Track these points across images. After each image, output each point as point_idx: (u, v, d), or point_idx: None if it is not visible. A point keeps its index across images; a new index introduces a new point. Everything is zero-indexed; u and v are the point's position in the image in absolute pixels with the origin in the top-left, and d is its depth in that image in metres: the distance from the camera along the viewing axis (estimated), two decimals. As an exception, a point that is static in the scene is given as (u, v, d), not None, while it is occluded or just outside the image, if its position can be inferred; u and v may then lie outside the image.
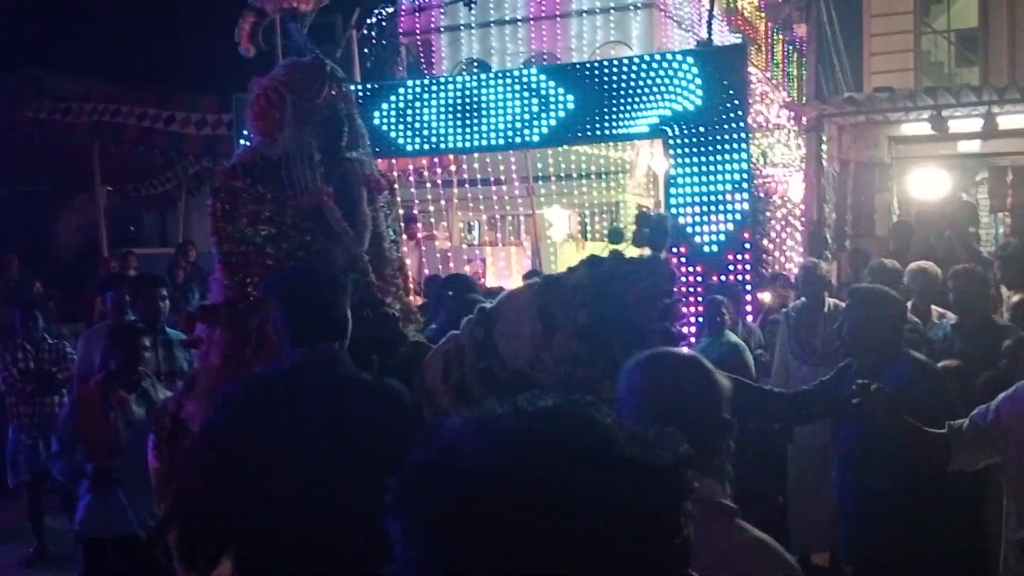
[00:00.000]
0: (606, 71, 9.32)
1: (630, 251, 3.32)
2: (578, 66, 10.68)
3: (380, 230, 4.09)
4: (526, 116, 9.34)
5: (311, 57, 4.06)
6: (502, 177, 12.89)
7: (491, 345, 3.31)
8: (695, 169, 8.70)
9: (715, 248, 8.59)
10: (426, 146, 9.84)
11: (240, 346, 3.69)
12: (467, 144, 9.71)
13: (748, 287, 8.58)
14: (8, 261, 11.68)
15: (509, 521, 1.01)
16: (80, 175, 13.94)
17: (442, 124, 9.65)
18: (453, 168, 12.76)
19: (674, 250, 8.17)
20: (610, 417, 1.14)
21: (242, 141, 10.62)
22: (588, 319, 3.12)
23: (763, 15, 18.18)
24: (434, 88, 9.90)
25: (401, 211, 12.63)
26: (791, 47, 18.40)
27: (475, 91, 9.59)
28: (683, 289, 8.04)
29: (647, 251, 3.28)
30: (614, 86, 9.07)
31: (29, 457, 7.60)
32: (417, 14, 15.99)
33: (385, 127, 9.70)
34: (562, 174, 13.57)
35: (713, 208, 8.62)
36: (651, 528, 1.06)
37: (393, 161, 11.38)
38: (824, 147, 11.07)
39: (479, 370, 3.28)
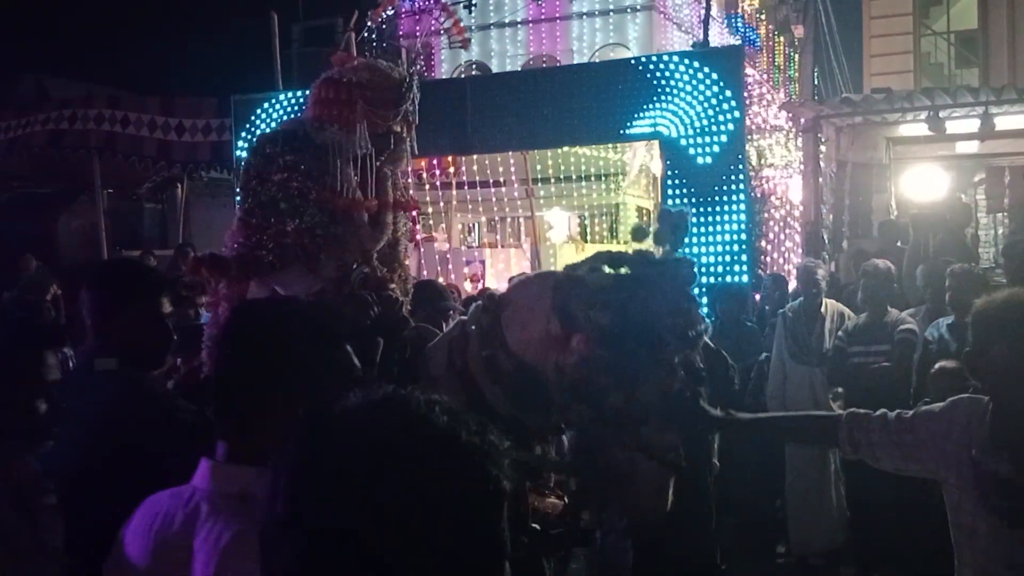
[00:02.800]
0: (603, 72, 9.35)
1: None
2: (575, 67, 10.71)
3: (399, 235, 4.19)
4: (518, 118, 9.36)
5: (401, 73, 4.07)
6: (501, 179, 12.91)
7: (496, 332, 3.16)
8: (691, 171, 8.71)
9: (713, 249, 8.60)
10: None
11: None
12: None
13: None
14: (26, 261, 11.80)
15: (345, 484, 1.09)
16: (81, 178, 13.97)
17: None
18: (452, 170, 12.79)
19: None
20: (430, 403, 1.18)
21: (240, 143, 10.65)
22: (611, 323, 2.96)
23: (764, 17, 18.20)
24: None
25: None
26: (791, 49, 18.40)
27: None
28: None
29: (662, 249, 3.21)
30: (612, 87, 9.09)
31: None
32: (417, 16, 15.99)
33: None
34: (561, 176, 13.58)
35: (710, 210, 8.63)
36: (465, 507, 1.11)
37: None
38: (822, 148, 11.07)
39: (482, 357, 3.12)
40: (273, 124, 10.08)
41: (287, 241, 3.73)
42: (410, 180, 4.38)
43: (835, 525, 6.73)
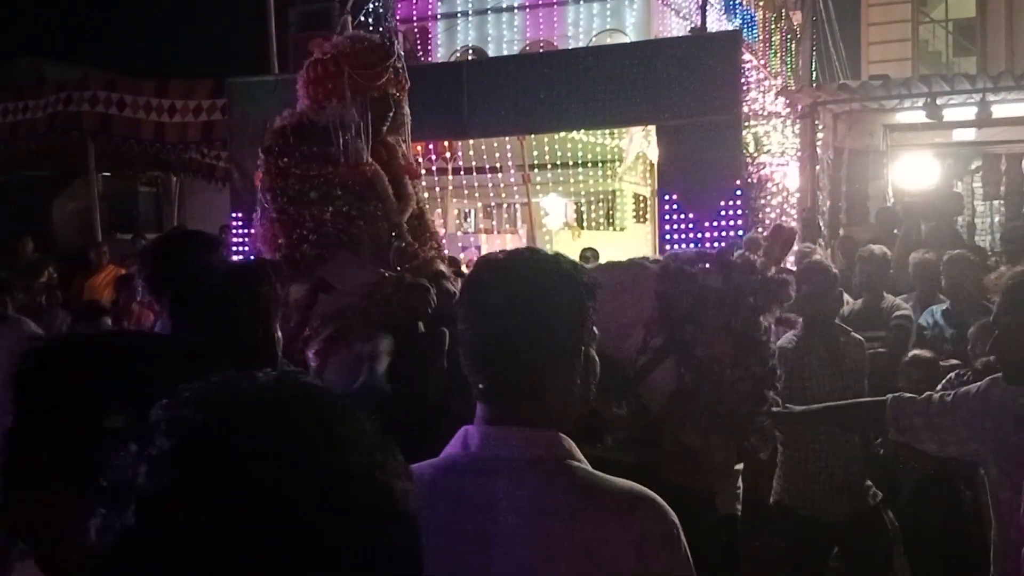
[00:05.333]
0: (601, 58, 9.32)
1: None
2: (572, 52, 10.68)
3: (423, 205, 4.20)
4: (515, 103, 9.33)
5: (380, 36, 4.07)
6: (498, 165, 12.88)
7: None
8: (688, 156, 8.68)
9: (709, 235, 8.58)
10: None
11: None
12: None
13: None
14: (23, 244, 11.81)
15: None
16: (75, 161, 13.93)
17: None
18: (448, 155, 12.76)
19: None
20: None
21: (235, 127, 10.59)
22: (697, 331, 2.83)
23: (762, 4, 18.13)
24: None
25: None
26: (789, 36, 18.36)
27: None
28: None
29: None
30: (609, 73, 9.05)
31: None
32: (414, 0, 15.93)
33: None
34: (558, 162, 13.54)
35: (706, 196, 8.61)
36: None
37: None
38: (819, 135, 11.06)
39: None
40: (269, 107, 10.02)
41: (327, 229, 3.73)
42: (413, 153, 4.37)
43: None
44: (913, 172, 11.18)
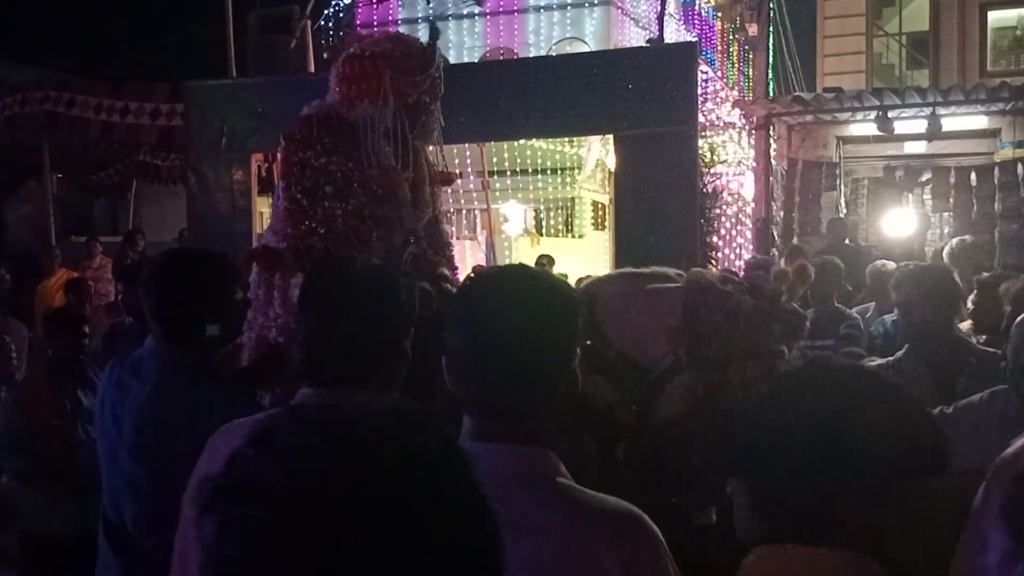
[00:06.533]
0: (560, 66, 9.38)
1: None
2: (530, 60, 10.75)
3: (438, 213, 4.20)
4: (474, 110, 9.35)
5: (425, 43, 4.06)
6: (457, 171, 12.88)
7: (596, 325, 2.95)
8: (645, 166, 8.76)
9: (663, 245, 8.65)
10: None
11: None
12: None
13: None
14: None
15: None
16: (30, 163, 13.75)
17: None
18: (407, 161, 12.75)
19: None
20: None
21: (194, 130, 10.51)
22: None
23: (719, 15, 18.29)
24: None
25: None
26: (746, 48, 18.54)
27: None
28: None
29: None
30: (568, 81, 9.11)
31: None
32: (375, 5, 15.91)
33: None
34: (517, 169, 13.59)
35: (662, 205, 8.68)
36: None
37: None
38: (774, 146, 11.20)
39: (583, 347, 2.95)
40: (227, 111, 9.97)
41: (338, 225, 3.69)
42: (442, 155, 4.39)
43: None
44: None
